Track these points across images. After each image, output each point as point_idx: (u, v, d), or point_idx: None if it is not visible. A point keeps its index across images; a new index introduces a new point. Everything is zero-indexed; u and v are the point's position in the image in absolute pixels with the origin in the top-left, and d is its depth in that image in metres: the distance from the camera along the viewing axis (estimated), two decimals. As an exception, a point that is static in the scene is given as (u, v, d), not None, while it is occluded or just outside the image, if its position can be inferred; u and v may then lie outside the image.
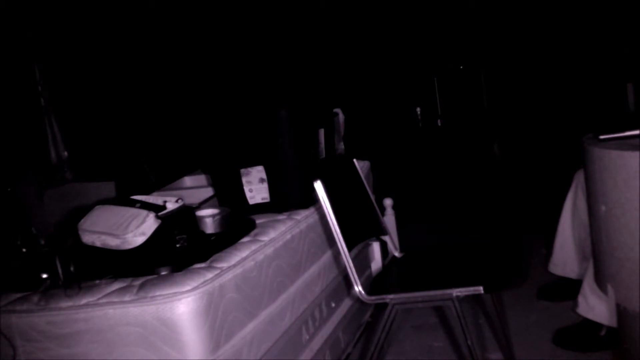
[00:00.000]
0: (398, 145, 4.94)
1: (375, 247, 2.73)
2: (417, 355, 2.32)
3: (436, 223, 3.90)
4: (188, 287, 1.43)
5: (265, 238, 1.80)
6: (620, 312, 1.57)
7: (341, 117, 2.73)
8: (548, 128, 4.48)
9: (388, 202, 2.78)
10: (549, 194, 2.91)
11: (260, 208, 2.08)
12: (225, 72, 3.98)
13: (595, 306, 2.10)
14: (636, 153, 1.34)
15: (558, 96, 4.51)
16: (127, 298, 1.44)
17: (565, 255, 2.49)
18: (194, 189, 2.58)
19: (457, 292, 1.64)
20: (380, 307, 1.84)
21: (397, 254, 2.08)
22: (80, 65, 3.22)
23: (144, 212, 1.63)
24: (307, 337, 1.92)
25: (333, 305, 2.18)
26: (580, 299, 2.17)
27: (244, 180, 2.09)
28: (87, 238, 1.63)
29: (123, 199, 1.76)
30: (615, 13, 4.04)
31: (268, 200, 2.10)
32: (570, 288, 2.38)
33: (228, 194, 2.14)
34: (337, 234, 1.71)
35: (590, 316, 2.13)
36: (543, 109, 4.61)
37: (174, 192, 2.37)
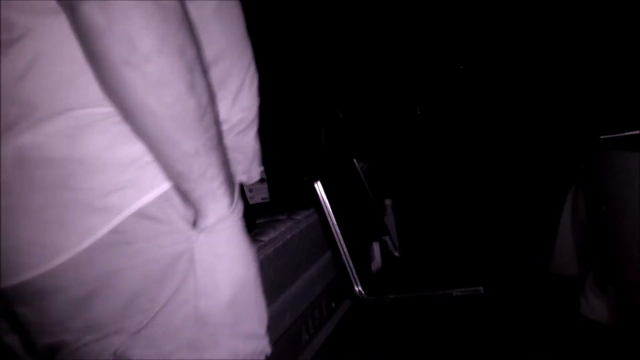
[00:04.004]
0: (398, 145, 4.94)
1: (375, 247, 2.73)
2: (417, 354, 2.32)
3: (436, 223, 3.90)
4: (188, 287, 1.43)
5: (265, 238, 1.81)
6: (621, 311, 1.57)
7: (342, 117, 2.73)
8: (549, 128, 4.48)
9: (388, 202, 2.78)
10: (550, 193, 2.92)
11: (260, 208, 2.09)
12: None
13: (596, 306, 2.11)
14: (636, 153, 1.34)
15: (558, 96, 4.51)
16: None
17: (566, 255, 2.49)
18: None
19: (457, 292, 1.64)
20: (380, 307, 1.84)
21: (397, 254, 2.08)
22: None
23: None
24: (307, 337, 1.92)
25: (333, 305, 2.18)
26: (581, 299, 2.17)
27: (244, 180, 2.10)
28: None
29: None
30: (615, 12, 4.04)
31: (268, 200, 2.10)
32: (570, 288, 2.38)
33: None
34: (337, 234, 1.71)
35: (592, 316, 2.13)
36: (544, 109, 4.61)
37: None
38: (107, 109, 0.59)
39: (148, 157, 0.61)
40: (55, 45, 0.57)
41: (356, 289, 1.74)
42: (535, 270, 2.84)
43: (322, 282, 2.11)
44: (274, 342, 1.73)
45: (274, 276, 1.78)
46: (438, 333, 2.44)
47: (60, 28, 0.57)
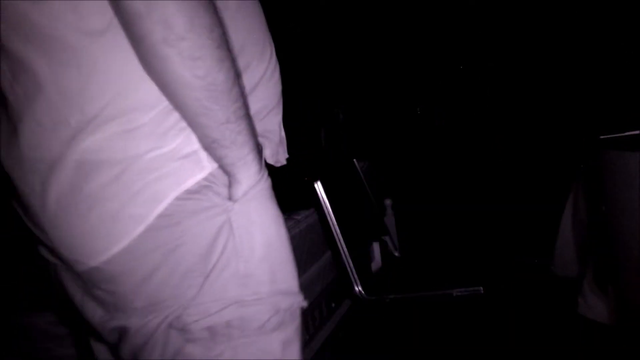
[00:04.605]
0: (398, 145, 4.94)
1: (375, 247, 2.73)
2: (417, 354, 2.32)
3: (436, 223, 3.90)
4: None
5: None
6: (621, 311, 1.57)
7: (341, 117, 2.73)
8: (549, 128, 4.48)
9: (388, 202, 2.78)
10: (550, 193, 2.92)
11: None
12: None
13: (594, 306, 2.11)
14: (636, 153, 1.34)
15: (559, 96, 4.51)
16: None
17: (566, 255, 2.49)
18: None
19: (457, 292, 1.64)
20: (380, 307, 1.84)
21: (397, 254, 2.08)
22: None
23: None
24: (307, 337, 1.92)
25: (333, 305, 2.18)
26: (580, 299, 2.17)
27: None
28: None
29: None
30: (615, 12, 4.04)
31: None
32: (570, 288, 2.38)
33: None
34: (337, 234, 1.71)
35: (590, 316, 2.13)
36: (544, 109, 4.61)
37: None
38: (152, 112, 0.68)
39: (185, 151, 0.70)
40: (105, 61, 0.67)
41: (356, 289, 1.74)
42: (535, 270, 2.84)
43: (322, 282, 2.11)
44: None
45: (274, 276, 1.78)
46: (438, 333, 2.44)
47: (108, 46, 0.66)
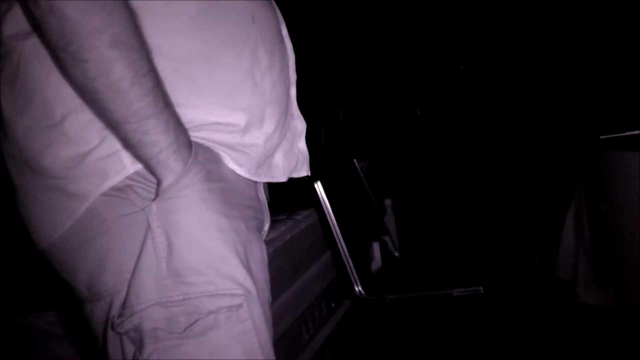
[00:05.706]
0: (398, 145, 4.94)
1: (375, 247, 2.73)
2: (417, 354, 2.32)
3: (436, 223, 3.90)
4: (188, 287, 1.42)
5: (265, 238, 1.80)
6: (621, 310, 1.57)
7: (341, 117, 2.73)
8: (549, 128, 4.48)
9: (388, 202, 2.78)
10: (550, 193, 2.92)
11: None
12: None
13: (593, 294, 2.13)
14: (636, 153, 1.34)
15: (559, 96, 4.51)
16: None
17: (569, 258, 2.49)
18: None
19: (457, 292, 1.64)
20: (380, 307, 1.84)
21: (397, 254, 2.08)
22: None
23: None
24: (307, 337, 1.92)
25: (333, 305, 2.18)
26: (579, 289, 2.19)
27: (244, 180, 2.09)
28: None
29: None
30: (616, 12, 4.04)
31: (268, 200, 2.10)
32: (570, 288, 2.38)
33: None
34: (337, 234, 1.71)
35: (592, 302, 2.15)
36: (544, 109, 4.61)
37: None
38: (70, 112, 0.70)
39: (106, 151, 0.71)
40: (27, 60, 0.71)
41: (356, 289, 1.74)
42: (535, 270, 2.84)
43: (322, 282, 2.11)
44: (274, 342, 1.73)
45: (274, 276, 1.77)
46: (438, 333, 2.44)
47: (33, 48, 0.70)
